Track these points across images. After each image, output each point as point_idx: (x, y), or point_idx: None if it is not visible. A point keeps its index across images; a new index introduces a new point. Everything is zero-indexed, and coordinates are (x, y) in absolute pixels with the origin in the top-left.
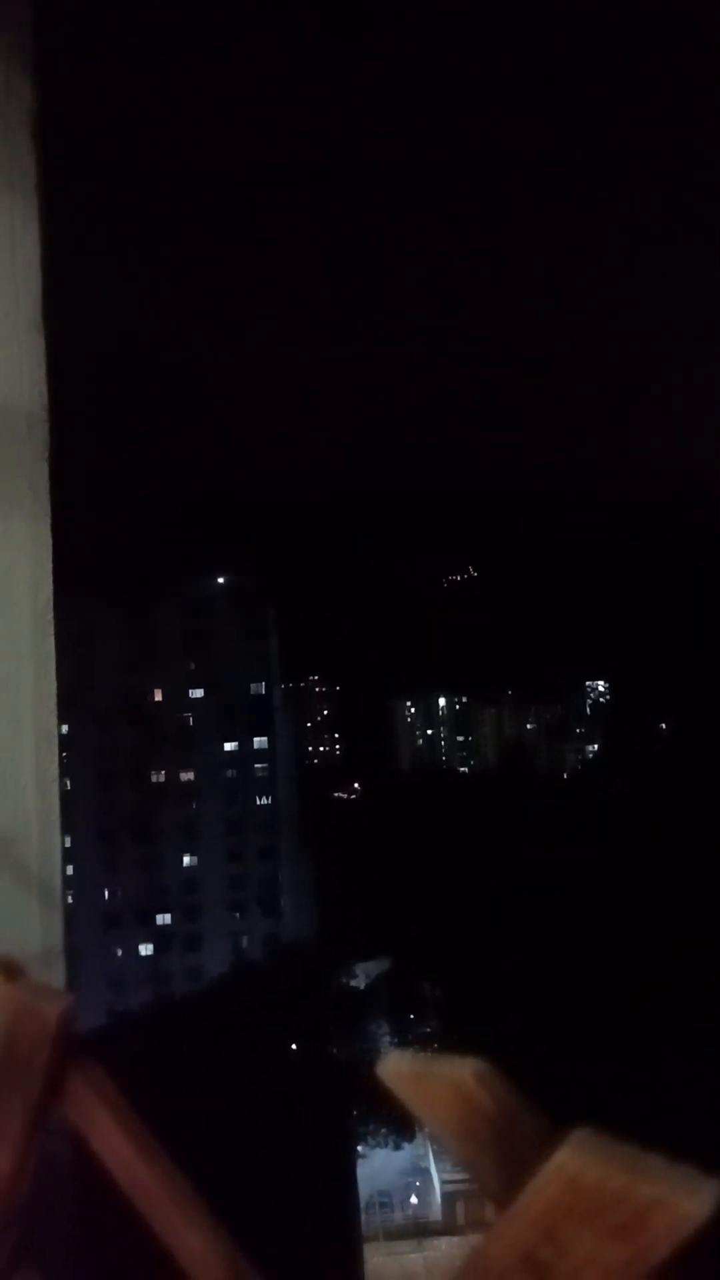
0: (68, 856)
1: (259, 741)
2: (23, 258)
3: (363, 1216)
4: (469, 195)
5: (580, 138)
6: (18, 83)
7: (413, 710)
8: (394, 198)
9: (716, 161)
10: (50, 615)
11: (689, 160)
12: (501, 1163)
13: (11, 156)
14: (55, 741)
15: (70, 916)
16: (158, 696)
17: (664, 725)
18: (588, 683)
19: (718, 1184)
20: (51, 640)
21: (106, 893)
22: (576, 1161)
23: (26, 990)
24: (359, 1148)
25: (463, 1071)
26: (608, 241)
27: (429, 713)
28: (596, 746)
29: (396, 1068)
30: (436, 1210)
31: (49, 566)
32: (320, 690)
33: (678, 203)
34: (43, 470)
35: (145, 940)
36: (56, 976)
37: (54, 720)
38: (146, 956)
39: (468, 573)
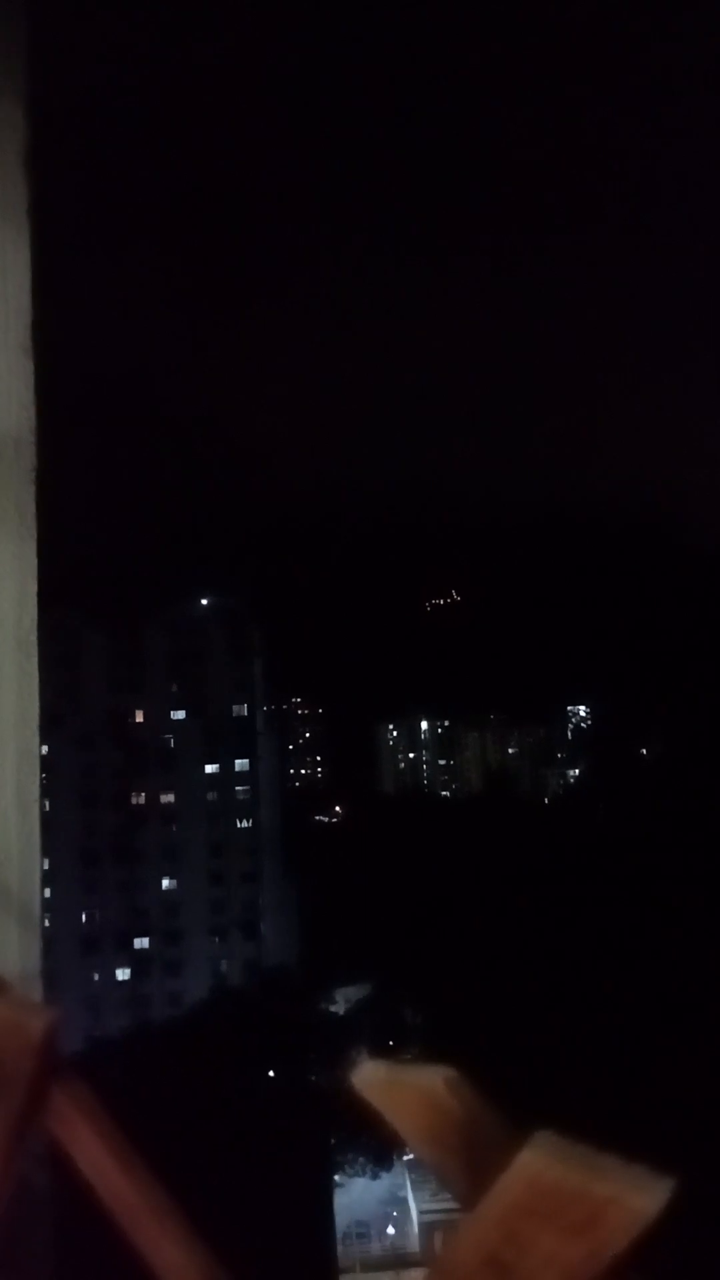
0: (45, 879)
1: (241, 764)
2: (13, 283)
3: (340, 1247)
4: (458, 230)
5: (561, 174)
6: (10, 111)
7: (395, 733)
8: (384, 236)
9: (694, 190)
10: (34, 637)
11: (669, 186)
12: (469, 1167)
13: (3, 183)
14: (37, 763)
15: (46, 939)
16: (139, 718)
17: (645, 751)
18: (570, 708)
19: (668, 1183)
20: (35, 662)
21: (84, 916)
22: (537, 1162)
23: (12, 1004)
24: (337, 1176)
25: (433, 1079)
26: (585, 272)
27: (412, 736)
28: (578, 771)
29: (371, 1075)
30: (414, 1241)
31: (34, 589)
32: (303, 713)
33: (658, 230)
34: (29, 493)
35: (123, 965)
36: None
37: (35, 742)
38: (124, 981)
39: (451, 597)
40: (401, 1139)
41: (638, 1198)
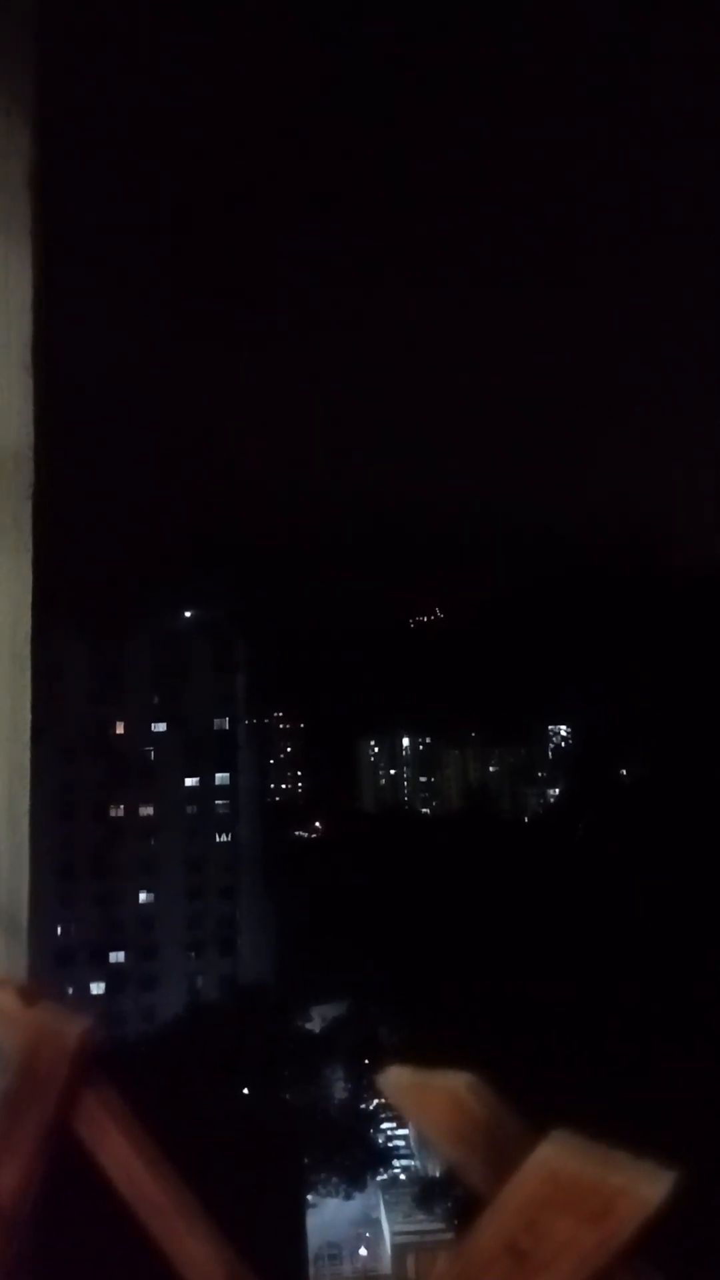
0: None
1: (221, 778)
2: (16, 302)
3: (311, 1269)
4: (447, 245)
5: (553, 196)
6: (18, 133)
7: (376, 750)
8: (372, 250)
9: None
10: (28, 650)
11: (660, 204)
12: (490, 1163)
13: (9, 204)
14: (27, 775)
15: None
16: (120, 729)
17: (626, 771)
18: (551, 727)
19: (673, 1175)
20: (28, 675)
21: (59, 929)
22: (555, 1157)
23: (49, 1013)
24: (309, 1197)
25: (457, 1082)
26: (570, 290)
27: (393, 753)
28: (559, 790)
29: (396, 1079)
30: (386, 1263)
31: (29, 602)
32: (285, 727)
33: (647, 246)
34: (27, 508)
35: (97, 979)
36: None
37: (27, 755)
38: (98, 996)
39: (435, 614)
40: (424, 1140)
41: (647, 1188)
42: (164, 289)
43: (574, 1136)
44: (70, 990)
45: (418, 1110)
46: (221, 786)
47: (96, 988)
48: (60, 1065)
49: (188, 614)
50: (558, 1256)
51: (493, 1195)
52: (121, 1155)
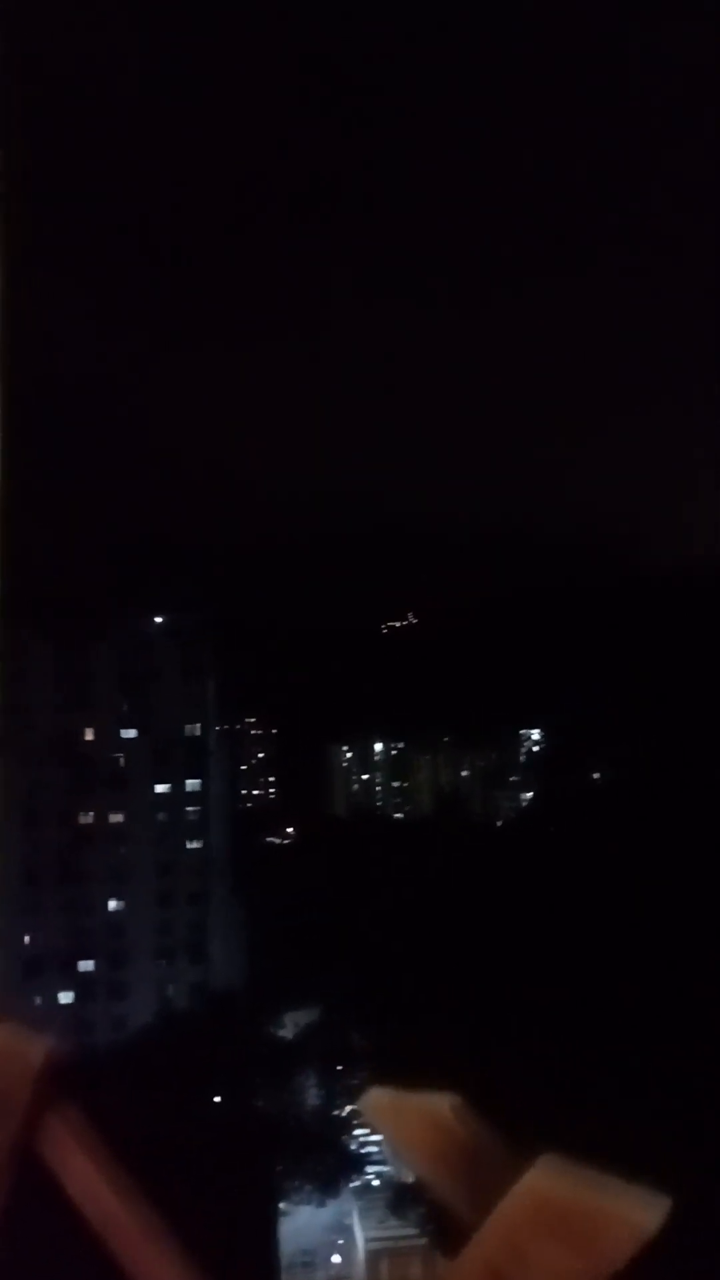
0: None
1: (192, 784)
2: None
3: (284, 1276)
4: (422, 247)
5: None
6: None
7: (349, 755)
8: (353, 254)
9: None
10: None
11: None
12: (473, 1188)
13: None
14: None
15: None
16: (89, 736)
17: (597, 775)
18: (522, 731)
19: (666, 1201)
20: None
21: (27, 937)
22: (545, 1182)
23: (7, 1033)
24: (282, 1204)
25: (439, 1105)
26: (548, 296)
27: (365, 758)
28: (530, 794)
29: (377, 1101)
30: (360, 1269)
31: None
32: (256, 733)
33: (628, 254)
34: None
35: (67, 988)
36: None
37: None
38: (67, 1005)
39: (407, 619)
40: (405, 1163)
41: (639, 1214)
42: (136, 290)
43: (563, 1161)
44: (39, 999)
45: (398, 1132)
46: (192, 793)
47: (66, 996)
48: (22, 1088)
49: (157, 619)
50: None
51: (476, 1221)
52: (86, 1178)
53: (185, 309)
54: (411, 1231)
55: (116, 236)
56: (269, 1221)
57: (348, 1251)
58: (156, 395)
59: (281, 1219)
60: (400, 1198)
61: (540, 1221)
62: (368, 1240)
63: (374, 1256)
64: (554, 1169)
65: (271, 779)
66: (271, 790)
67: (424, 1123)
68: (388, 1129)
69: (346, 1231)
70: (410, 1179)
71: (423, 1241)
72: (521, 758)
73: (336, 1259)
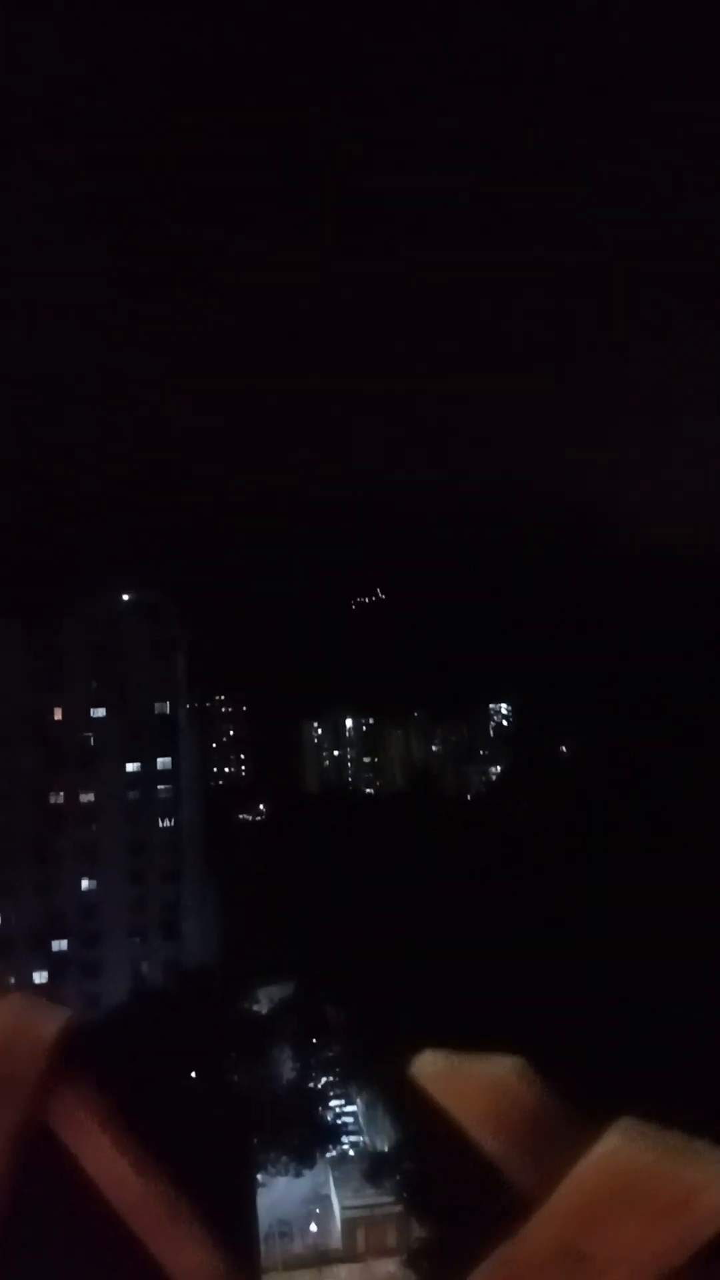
0: None
1: (163, 762)
2: None
3: (263, 1247)
4: (376, 222)
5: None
6: None
7: (320, 731)
8: (300, 209)
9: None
10: None
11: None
12: (539, 1155)
13: None
14: None
15: None
16: (58, 715)
17: (564, 747)
18: (491, 705)
19: None
20: None
21: (0, 918)
22: (623, 1150)
23: (20, 1004)
24: (259, 1176)
25: (501, 1068)
26: (510, 271)
27: (336, 733)
28: (500, 768)
29: (430, 1066)
30: (337, 1238)
31: None
32: (227, 710)
33: (592, 224)
34: None
35: (40, 967)
36: None
37: None
38: (41, 984)
39: (376, 595)
40: (466, 1132)
41: None
42: (98, 257)
43: (642, 1125)
44: (12, 979)
45: (457, 1100)
46: (163, 771)
47: (39, 976)
48: (35, 1061)
49: (125, 596)
50: (622, 1260)
51: (543, 1192)
52: (105, 1156)
53: (141, 279)
54: (388, 1199)
55: (76, 206)
56: (247, 1194)
57: (325, 1221)
58: (120, 370)
59: (259, 1190)
60: (375, 1167)
61: (618, 1191)
62: (344, 1209)
63: (351, 1225)
64: (633, 1134)
65: (242, 756)
66: (243, 767)
67: (484, 1088)
68: (443, 1096)
69: (323, 1201)
70: (385, 1148)
71: (399, 1209)
72: (491, 732)
73: (314, 1228)
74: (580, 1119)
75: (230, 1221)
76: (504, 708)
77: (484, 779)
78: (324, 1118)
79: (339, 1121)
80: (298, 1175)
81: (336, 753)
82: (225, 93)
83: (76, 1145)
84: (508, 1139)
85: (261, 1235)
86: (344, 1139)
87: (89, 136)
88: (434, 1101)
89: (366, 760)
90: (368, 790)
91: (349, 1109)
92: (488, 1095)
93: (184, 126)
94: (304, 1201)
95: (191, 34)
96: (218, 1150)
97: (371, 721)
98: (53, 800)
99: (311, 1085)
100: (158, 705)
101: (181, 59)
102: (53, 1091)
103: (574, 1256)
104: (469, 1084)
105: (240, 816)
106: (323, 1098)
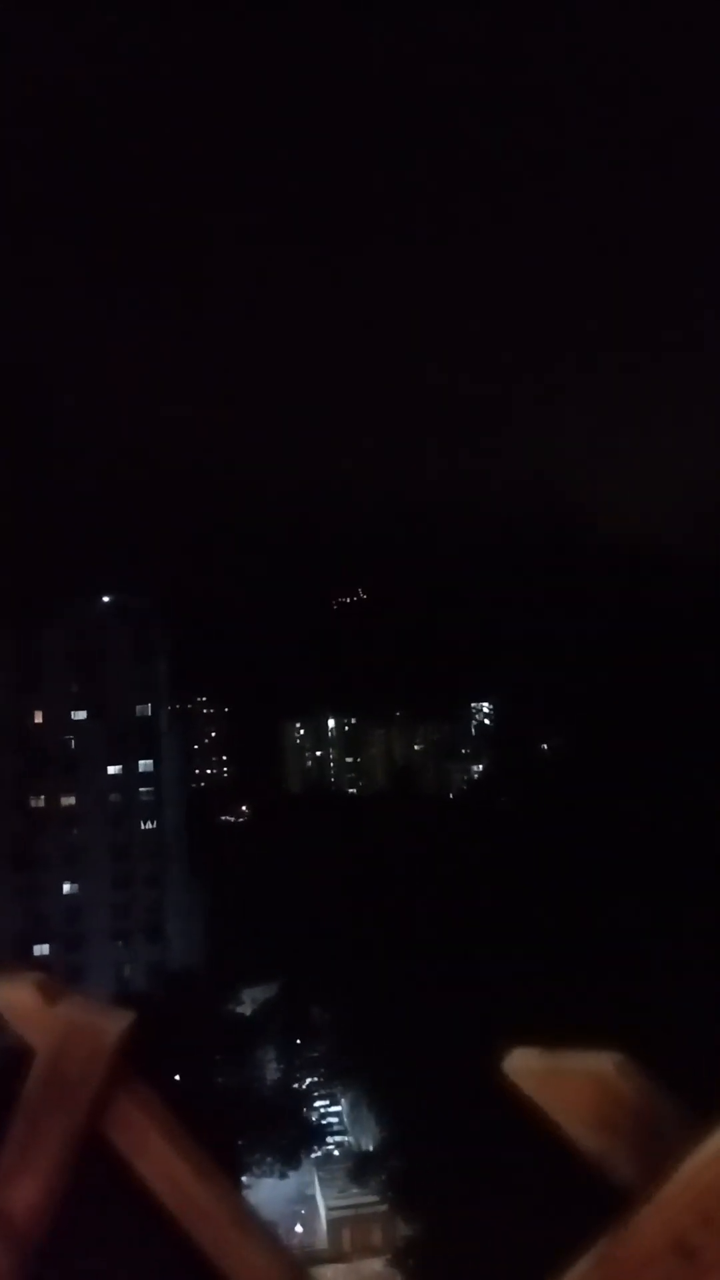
0: None
1: (144, 765)
2: None
3: None
4: (358, 238)
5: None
6: None
7: (302, 731)
8: (301, 238)
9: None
10: None
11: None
12: (643, 1151)
13: None
14: None
15: None
16: (39, 719)
17: (546, 745)
18: (473, 704)
19: None
20: None
21: None
22: None
23: (79, 1008)
24: (244, 1178)
25: (602, 1063)
26: (488, 270)
27: (318, 734)
28: (482, 766)
29: (525, 1064)
30: (323, 1238)
31: None
32: (208, 712)
33: (575, 219)
34: None
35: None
36: None
37: None
38: None
39: (357, 595)
40: (563, 1130)
41: None
42: (81, 261)
43: None
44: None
45: (552, 1097)
46: (145, 774)
47: None
48: (94, 1067)
49: (105, 599)
50: None
51: (649, 1187)
52: (165, 1162)
53: (128, 289)
54: (373, 1199)
55: (61, 212)
56: None
57: (310, 1221)
58: (106, 378)
59: (244, 1192)
60: (360, 1166)
61: None
62: (329, 1209)
63: (336, 1224)
64: None
65: (224, 757)
66: (225, 769)
67: (585, 1084)
68: (540, 1094)
69: (309, 1201)
70: (369, 1147)
71: (384, 1208)
72: (473, 730)
73: (299, 1229)
74: (686, 1114)
75: None
76: (485, 706)
77: (466, 777)
78: (308, 1118)
79: (323, 1122)
80: (283, 1176)
81: (319, 753)
82: (224, 92)
83: (133, 1153)
84: (609, 1134)
85: None
86: (329, 1139)
87: (77, 131)
88: (530, 1100)
89: (349, 760)
90: (350, 790)
91: (333, 1109)
92: (587, 1092)
93: (178, 125)
94: (289, 1202)
95: (190, 33)
96: (202, 1152)
97: (353, 721)
98: (34, 804)
99: (296, 1086)
100: (139, 708)
101: (177, 54)
102: (109, 1099)
103: (684, 1250)
104: (567, 1081)
105: (223, 818)
106: (307, 1098)
